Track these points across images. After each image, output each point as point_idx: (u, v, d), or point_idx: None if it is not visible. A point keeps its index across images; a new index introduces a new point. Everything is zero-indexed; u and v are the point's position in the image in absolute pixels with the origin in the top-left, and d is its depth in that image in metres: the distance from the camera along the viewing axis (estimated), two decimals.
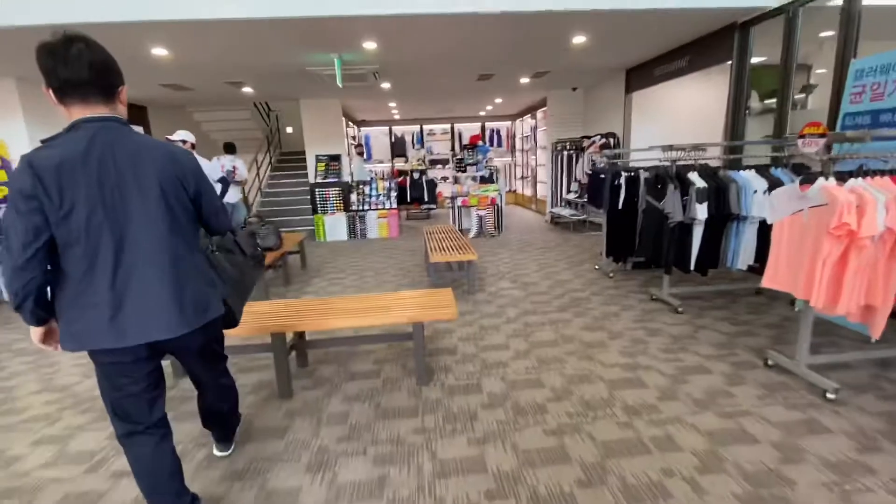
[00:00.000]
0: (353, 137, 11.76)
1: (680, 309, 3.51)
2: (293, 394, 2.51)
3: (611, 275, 4.68)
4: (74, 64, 1.22)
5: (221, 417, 1.90)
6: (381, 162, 12.47)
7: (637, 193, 4.21)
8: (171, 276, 1.34)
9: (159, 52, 4.50)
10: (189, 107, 8.76)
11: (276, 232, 4.47)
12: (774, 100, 4.15)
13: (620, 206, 4.39)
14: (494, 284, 4.56)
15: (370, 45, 4.70)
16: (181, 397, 2.52)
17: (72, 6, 3.40)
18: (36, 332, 1.36)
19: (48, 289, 1.29)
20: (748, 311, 3.53)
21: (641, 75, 6.28)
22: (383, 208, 7.95)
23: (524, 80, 7.28)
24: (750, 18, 4.17)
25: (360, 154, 9.67)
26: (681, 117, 6.27)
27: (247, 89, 6.96)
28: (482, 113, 11.89)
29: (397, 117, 12.02)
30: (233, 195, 5.77)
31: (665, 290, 3.70)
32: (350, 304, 2.70)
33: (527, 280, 4.68)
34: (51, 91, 1.28)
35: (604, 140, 6.99)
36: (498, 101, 9.82)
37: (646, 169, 4.14)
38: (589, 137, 7.46)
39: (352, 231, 7.96)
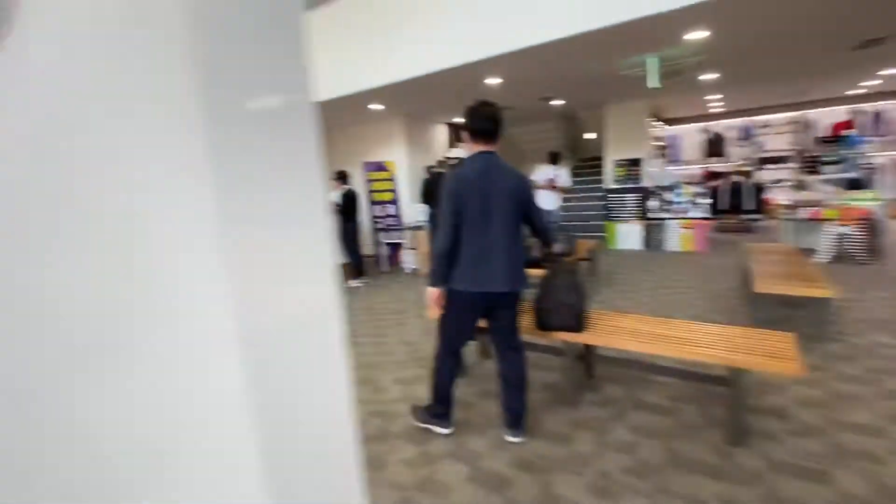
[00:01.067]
0: (658, 138, 10.79)
1: None
2: (578, 404, 2.52)
3: None
4: (485, 120, 2.06)
5: (511, 392, 2.23)
6: (689, 164, 10.93)
7: None
8: (509, 254, 2.05)
9: (491, 80, 5.36)
10: (507, 124, 10.16)
11: (569, 238, 4.61)
12: None
13: None
14: (863, 336, 3.24)
15: (697, 35, 4.13)
16: (484, 375, 2.96)
17: (433, 60, 4.45)
18: (433, 293, 2.11)
19: (452, 257, 2.06)
20: None
21: None
22: (687, 217, 6.95)
23: None
24: None
25: (664, 157, 8.76)
26: None
27: (556, 102, 7.44)
28: (853, 92, 8.61)
29: (717, 111, 10.22)
30: (550, 202, 6.18)
31: None
32: (645, 326, 2.48)
33: None
34: (468, 132, 2.09)
35: None
36: (889, 72, 6.87)
37: None
38: None
39: (647, 240, 7.34)
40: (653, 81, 4.93)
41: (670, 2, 3.29)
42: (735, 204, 8.31)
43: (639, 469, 1.95)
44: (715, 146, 10.70)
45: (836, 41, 4.82)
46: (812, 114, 9.60)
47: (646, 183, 7.78)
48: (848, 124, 8.99)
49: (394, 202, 7.35)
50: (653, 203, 7.30)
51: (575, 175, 10.29)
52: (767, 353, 2.02)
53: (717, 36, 4.19)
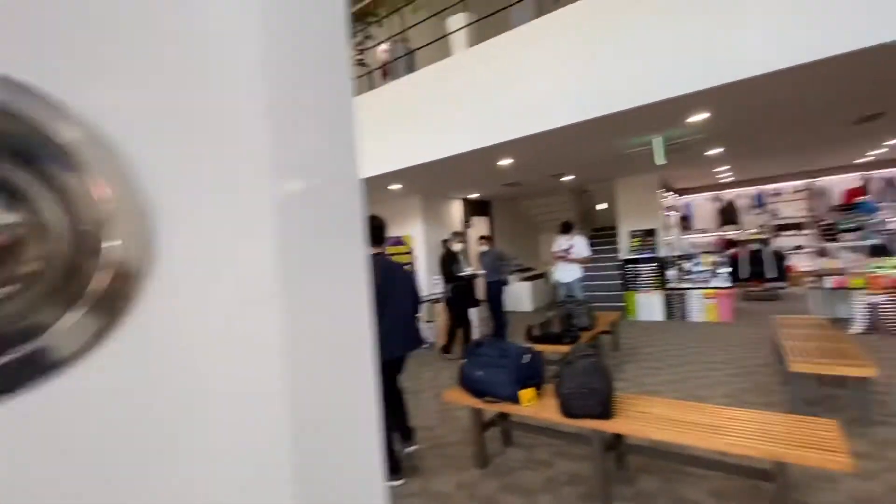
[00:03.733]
0: (671, 208, 10.95)
1: None
2: (610, 500, 2.34)
3: None
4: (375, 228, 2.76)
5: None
6: (705, 232, 10.96)
7: None
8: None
9: (504, 161, 5.67)
10: (518, 198, 10.50)
11: (589, 312, 4.55)
12: None
13: None
14: None
15: (698, 118, 4.38)
16: (507, 465, 2.80)
17: (449, 146, 4.76)
18: None
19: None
20: None
21: None
22: (709, 287, 6.84)
23: None
24: None
25: (684, 228, 8.81)
26: None
27: (566, 178, 7.74)
28: (861, 161, 8.76)
29: (727, 181, 10.45)
30: (568, 273, 6.16)
31: None
32: (676, 412, 2.36)
33: None
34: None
35: None
36: (892, 142, 7.04)
37: None
38: None
39: (669, 311, 7.18)
40: (659, 159, 5.15)
41: (671, 90, 3.53)
42: (756, 272, 8.18)
43: None
44: (728, 214, 10.79)
45: (834, 118, 5.02)
46: (823, 181, 9.71)
47: (663, 252, 7.78)
48: (861, 191, 9.03)
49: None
50: (671, 272, 7.24)
51: (591, 244, 10.40)
52: (811, 444, 1.89)
53: (717, 116, 4.43)
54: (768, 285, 8.08)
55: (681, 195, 11.39)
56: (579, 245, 6.04)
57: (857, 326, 5.29)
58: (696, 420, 2.24)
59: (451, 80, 4.72)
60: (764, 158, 7.87)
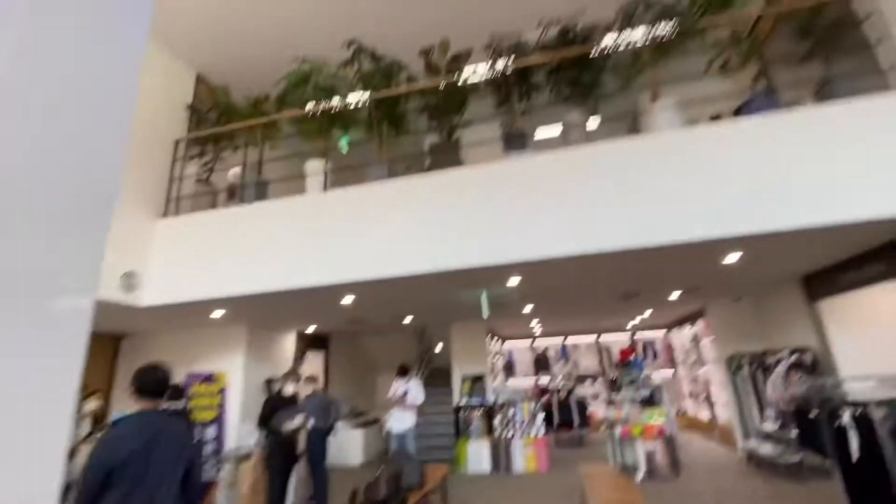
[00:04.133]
0: (497, 353, 12.03)
1: None
2: None
3: None
4: (154, 382, 2.26)
5: None
6: (526, 376, 12.16)
7: (875, 438, 3.11)
8: None
9: (347, 300, 5.62)
10: (360, 335, 10.30)
11: (420, 469, 4.30)
12: None
13: (855, 456, 3.23)
14: None
15: (514, 281, 5.18)
16: None
17: (285, 279, 4.59)
18: None
19: None
20: None
21: (825, 281, 5.46)
22: (529, 436, 7.28)
23: (674, 297, 6.95)
24: None
25: (508, 373, 9.60)
26: None
27: (407, 319, 8.01)
28: (630, 325, 11.34)
29: (538, 332, 12.19)
30: (401, 423, 5.76)
31: None
32: None
33: None
34: (134, 390, 2.22)
35: (795, 356, 5.78)
36: (648, 313, 9.39)
37: (879, 403, 3.14)
38: (774, 353, 6.28)
39: (496, 462, 7.27)
40: (485, 312, 5.77)
41: (494, 258, 4.14)
42: (565, 419, 9.12)
43: None
44: (541, 363, 12.30)
45: (605, 293, 6.52)
46: (607, 338, 12.11)
47: (489, 398, 8.21)
48: (631, 350, 11.44)
49: (216, 422, 6.18)
50: (497, 420, 7.57)
51: (427, 385, 10.40)
52: None
53: (526, 281, 5.31)
54: (574, 432, 9.01)
55: (503, 341, 12.73)
56: (414, 390, 5.95)
57: (641, 474, 6.10)
58: None
59: (299, 216, 4.77)
60: (563, 318, 9.54)
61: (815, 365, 5.55)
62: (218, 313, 5.71)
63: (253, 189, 5.39)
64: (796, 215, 3.48)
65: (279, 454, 4.68)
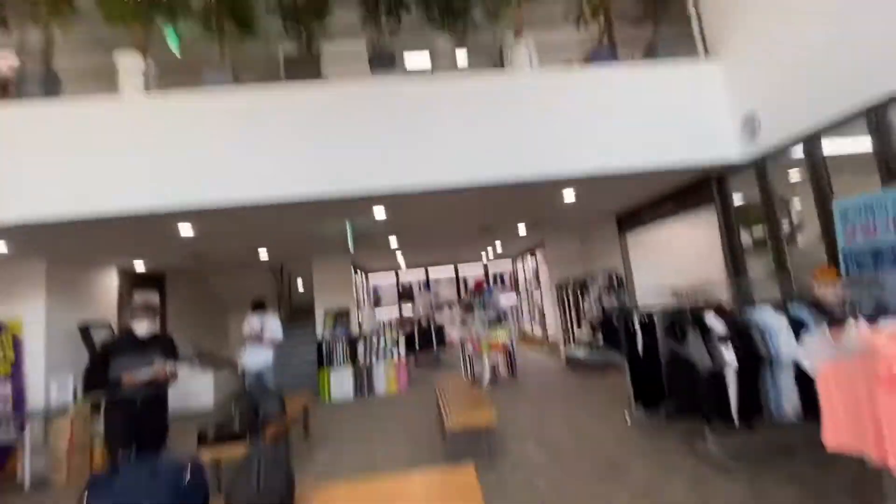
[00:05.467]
0: (363, 287, 12.12)
1: (733, 469, 3.07)
2: None
3: (645, 427, 4.24)
4: None
5: None
6: (390, 307, 12.61)
7: (655, 336, 4.09)
8: None
9: (185, 231, 4.86)
10: (206, 273, 9.20)
11: (279, 399, 4.20)
12: (767, 235, 4.32)
13: (641, 352, 4.22)
14: (517, 446, 4.10)
15: (380, 213, 5.12)
16: None
17: (86, 200, 3.73)
18: None
19: None
20: (813, 467, 3.07)
21: (631, 218, 6.70)
22: (391, 358, 7.70)
23: (521, 230, 7.77)
24: (722, 174, 4.59)
25: (375, 304, 9.77)
26: (678, 254, 6.49)
27: (262, 253, 7.40)
28: (484, 255, 12.48)
29: (403, 265, 12.61)
30: (257, 360, 5.41)
31: (711, 445, 3.29)
32: (357, 494, 2.35)
33: (553, 438, 4.23)
34: None
35: (607, 279, 7.13)
36: (498, 245, 10.39)
37: (660, 312, 4.10)
38: (592, 276, 7.63)
39: (358, 387, 7.57)
40: (351, 245, 5.64)
41: (355, 187, 3.98)
42: (425, 342, 9.86)
43: None
44: (405, 294, 12.85)
45: (467, 226, 6.95)
46: (463, 269, 13.16)
47: (354, 330, 8.35)
48: (484, 280, 12.71)
49: (11, 378, 5.02)
50: (361, 348, 7.78)
51: (289, 326, 9.99)
52: (454, 497, 2.23)
53: (392, 214, 5.31)
54: (433, 353, 9.85)
55: (368, 274, 12.87)
56: (272, 326, 5.62)
57: (486, 380, 7.05)
58: (374, 497, 2.28)
59: (110, 123, 3.82)
60: (426, 250, 9.98)
61: (620, 284, 6.94)
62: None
63: (40, 83, 4.09)
64: (620, 159, 4.10)
65: (120, 414, 3.12)
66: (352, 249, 5.60)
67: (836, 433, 2.13)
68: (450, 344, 10.55)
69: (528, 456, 3.87)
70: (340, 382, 7.54)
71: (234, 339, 9.65)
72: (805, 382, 3.04)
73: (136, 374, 2.97)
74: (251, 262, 8.13)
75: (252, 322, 5.54)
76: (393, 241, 7.54)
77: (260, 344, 5.44)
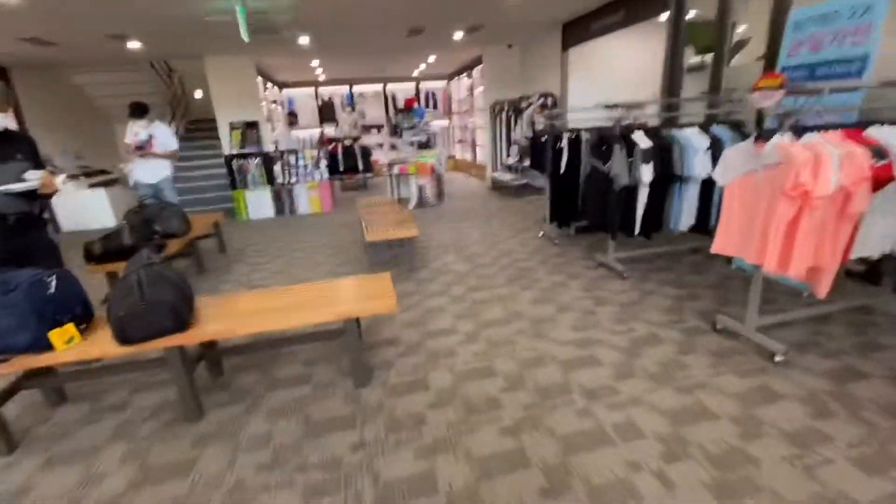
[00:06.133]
0: (275, 101, 10.66)
1: (626, 274, 3.44)
2: (204, 413, 2.09)
3: (556, 242, 4.56)
4: None
5: None
6: (309, 128, 11.47)
7: (579, 156, 4.04)
8: None
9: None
10: (63, 68, 7.31)
11: (180, 214, 3.82)
12: (710, 55, 4.08)
13: (563, 170, 4.21)
14: (438, 259, 4.27)
15: None
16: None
17: None
18: None
19: None
20: (690, 271, 3.54)
21: (578, 30, 6.03)
22: (313, 180, 7.27)
23: (458, 36, 6.79)
24: None
25: (292, 123, 8.71)
26: (617, 74, 6.17)
27: (134, 45, 5.86)
28: (416, 73, 11.20)
29: (323, 78, 11.04)
30: (152, 172, 4.73)
31: (610, 255, 3.61)
32: (265, 301, 2.28)
33: (471, 252, 4.44)
34: None
35: (542, 100, 6.77)
36: (432, 58, 9.24)
37: (588, 130, 3.96)
38: (528, 98, 7.20)
39: (279, 207, 7.25)
40: (244, 33, 4.53)
41: None
42: (350, 165, 9.36)
43: (275, 460, 1.78)
44: (327, 112, 11.63)
45: (395, 25, 5.86)
46: (393, 87, 11.91)
47: (269, 148, 7.55)
48: (415, 99, 11.68)
49: None
50: (278, 168, 7.18)
51: (188, 139, 8.79)
52: (370, 298, 2.23)
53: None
54: (359, 176, 9.49)
55: (282, 88, 11.24)
56: (162, 134, 4.75)
57: (413, 202, 7.04)
58: (285, 304, 2.22)
59: None
60: (349, 58, 8.63)
61: (555, 105, 6.65)
62: None
63: None
64: None
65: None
66: (245, 37, 4.50)
67: (725, 240, 2.30)
68: (377, 168, 10.16)
69: (447, 264, 4.06)
70: (258, 203, 7.14)
71: (124, 152, 8.41)
72: (703, 201, 3.28)
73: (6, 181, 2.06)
74: (120, 56, 6.50)
75: (136, 129, 4.64)
76: (304, 40, 6.28)
77: (151, 156, 4.67)
